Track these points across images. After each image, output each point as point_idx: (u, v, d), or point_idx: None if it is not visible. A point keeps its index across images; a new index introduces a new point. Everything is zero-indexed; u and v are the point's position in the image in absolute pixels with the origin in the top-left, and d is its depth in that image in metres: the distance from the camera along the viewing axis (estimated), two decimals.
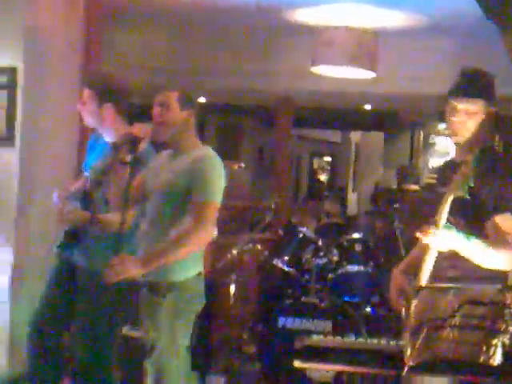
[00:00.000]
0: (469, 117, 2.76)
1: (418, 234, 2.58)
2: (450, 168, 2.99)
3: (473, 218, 2.68)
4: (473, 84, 2.77)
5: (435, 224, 2.54)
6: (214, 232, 3.11)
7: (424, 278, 2.57)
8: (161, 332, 2.95)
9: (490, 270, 2.64)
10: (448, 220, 2.59)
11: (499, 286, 2.18)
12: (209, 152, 3.07)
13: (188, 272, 3.04)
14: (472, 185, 2.50)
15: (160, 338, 2.95)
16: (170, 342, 2.97)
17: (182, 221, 2.97)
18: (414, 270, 2.85)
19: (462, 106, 2.75)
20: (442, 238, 2.53)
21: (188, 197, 2.95)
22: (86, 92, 3.40)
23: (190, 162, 2.99)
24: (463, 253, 2.57)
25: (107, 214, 3.19)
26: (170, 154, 3.14)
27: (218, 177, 3.01)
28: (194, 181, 2.95)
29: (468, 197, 2.51)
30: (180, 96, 3.05)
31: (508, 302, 2.08)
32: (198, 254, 3.10)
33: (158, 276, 2.99)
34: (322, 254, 5.35)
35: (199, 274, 3.09)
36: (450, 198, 2.55)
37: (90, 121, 3.44)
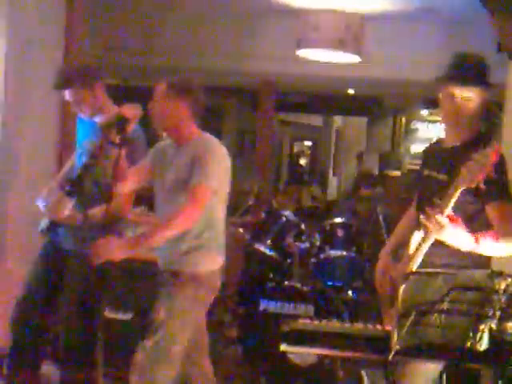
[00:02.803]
0: (465, 103, 2.73)
1: (421, 218, 2.56)
2: (436, 151, 2.98)
3: (475, 204, 2.67)
4: (472, 71, 2.74)
5: (440, 210, 2.52)
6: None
7: (416, 264, 2.57)
8: (172, 316, 2.96)
9: (477, 259, 2.65)
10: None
11: (487, 272, 2.18)
12: (207, 139, 3.06)
13: (210, 264, 3.06)
14: (491, 177, 2.47)
15: (170, 321, 2.95)
16: (179, 328, 2.97)
17: None
18: (400, 252, 2.86)
19: (460, 92, 2.72)
20: (444, 228, 2.50)
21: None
22: (76, 89, 3.35)
23: (191, 152, 2.99)
24: (465, 248, 2.56)
25: (98, 207, 3.17)
26: (172, 145, 3.12)
27: (215, 162, 2.99)
28: (192, 168, 2.95)
29: (484, 187, 2.47)
30: (180, 87, 3.03)
31: (496, 287, 2.09)
32: (221, 247, 3.11)
33: (182, 266, 3.01)
34: (304, 238, 5.36)
35: (220, 266, 3.10)
36: (460, 189, 2.51)
37: (89, 112, 3.41)
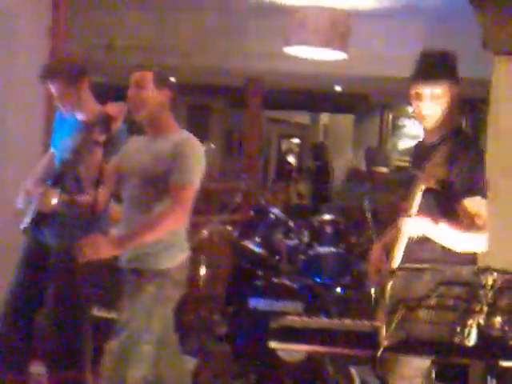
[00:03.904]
0: (435, 101, 2.74)
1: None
2: (419, 151, 3.00)
3: (444, 201, 2.70)
4: (436, 67, 2.76)
5: (406, 210, 2.56)
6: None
7: (397, 260, 2.59)
8: (136, 315, 2.93)
9: (460, 253, 2.67)
10: (420, 204, 2.61)
11: (474, 267, 2.20)
12: (188, 136, 3.06)
13: (174, 260, 3.03)
14: (443, 176, 2.52)
15: (134, 320, 2.92)
16: (144, 327, 2.95)
17: (162, 203, 2.95)
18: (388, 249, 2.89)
19: (428, 90, 2.74)
20: (412, 226, 2.55)
21: (168, 179, 2.93)
22: (62, 84, 3.32)
23: (171, 146, 2.97)
24: (434, 238, 2.59)
25: (82, 195, 3.16)
26: (146, 137, 3.11)
27: (197, 160, 3.00)
28: (173, 164, 2.92)
29: (439, 188, 2.52)
30: (156, 76, 3.02)
31: (483, 282, 2.10)
32: (184, 243, 3.09)
33: (144, 263, 2.98)
34: (293, 235, 5.36)
35: (184, 262, 3.07)
36: (421, 189, 2.55)
37: (70, 108, 3.38)
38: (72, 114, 3.40)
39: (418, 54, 2.84)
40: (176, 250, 3.06)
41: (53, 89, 3.35)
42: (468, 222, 2.62)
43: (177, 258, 3.07)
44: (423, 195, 2.62)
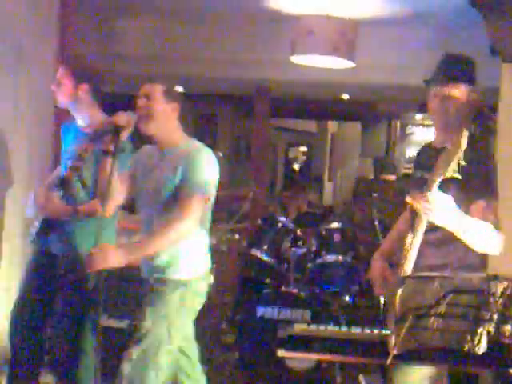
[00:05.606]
0: (452, 102, 2.75)
1: (409, 200, 2.52)
2: (427, 152, 2.99)
3: (457, 202, 2.68)
4: (456, 69, 2.77)
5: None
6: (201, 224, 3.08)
7: (409, 267, 2.57)
8: (157, 325, 2.93)
9: (471, 259, 2.66)
10: None
11: (484, 275, 2.18)
12: (198, 146, 3.05)
13: (195, 271, 3.04)
14: (464, 163, 2.47)
15: (154, 330, 2.93)
16: (164, 337, 2.95)
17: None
18: (392, 255, 2.86)
19: (446, 91, 2.75)
20: (436, 204, 2.46)
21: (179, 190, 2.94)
22: (63, 71, 3.35)
23: (182, 158, 2.96)
24: (453, 227, 2.52)
25: (86, 203, 3.17)
26: (156, 149, 3.11)
27: (207, 170, 2.99)
28: (184, 175, 2.93)
29: (459, 176, 2.47)
30: (165, 89, 3.02)
31: (493, 290, 2.09)
32: (206, 254, 3.09)
33: (166, 273, 2.99)
34: (300, 243, 5.35)
35: (207, 272, 3.09)
36: (438, 181, 2.51)
37: (63, 101, 3.38)
38: (77, 121, 3.41)
39: (442, 55, 2.84)
40: (198, 260, 3.07)
41: (61, 87, 3.35)
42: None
43: (198, 268, 3.07)
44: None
